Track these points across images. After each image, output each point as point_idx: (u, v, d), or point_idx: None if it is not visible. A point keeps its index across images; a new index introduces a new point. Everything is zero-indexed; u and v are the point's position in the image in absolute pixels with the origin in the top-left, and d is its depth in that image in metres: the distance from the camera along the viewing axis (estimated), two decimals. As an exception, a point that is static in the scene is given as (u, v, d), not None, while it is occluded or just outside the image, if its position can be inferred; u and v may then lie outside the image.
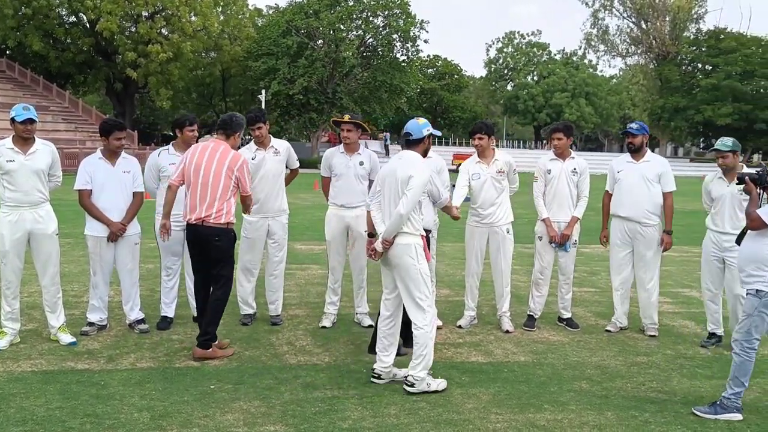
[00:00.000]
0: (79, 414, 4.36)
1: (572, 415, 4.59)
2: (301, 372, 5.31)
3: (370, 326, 6.59)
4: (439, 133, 5.88)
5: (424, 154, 5.27)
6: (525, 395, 4.96)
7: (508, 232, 6.64)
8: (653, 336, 6.61)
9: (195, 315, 6.55)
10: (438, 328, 6.62)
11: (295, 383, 5.06)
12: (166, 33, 47.66)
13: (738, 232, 6.31)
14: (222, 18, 50.87)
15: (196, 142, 6.55)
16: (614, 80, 79.77)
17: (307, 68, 47.26)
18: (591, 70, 74.64)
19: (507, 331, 6.60)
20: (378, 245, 5.01)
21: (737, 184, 5.39)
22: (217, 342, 5.67)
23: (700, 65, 61.38)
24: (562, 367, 5.63)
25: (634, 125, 6.71)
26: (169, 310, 6.47)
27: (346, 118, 6.49)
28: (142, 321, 6.30)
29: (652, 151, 7.14)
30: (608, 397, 4.97)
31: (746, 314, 4.68)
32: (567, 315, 6.95)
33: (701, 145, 69.10)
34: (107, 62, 50.67)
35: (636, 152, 6.65)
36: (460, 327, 6.74)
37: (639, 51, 66.05)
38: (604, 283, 9.14)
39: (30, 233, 5.68)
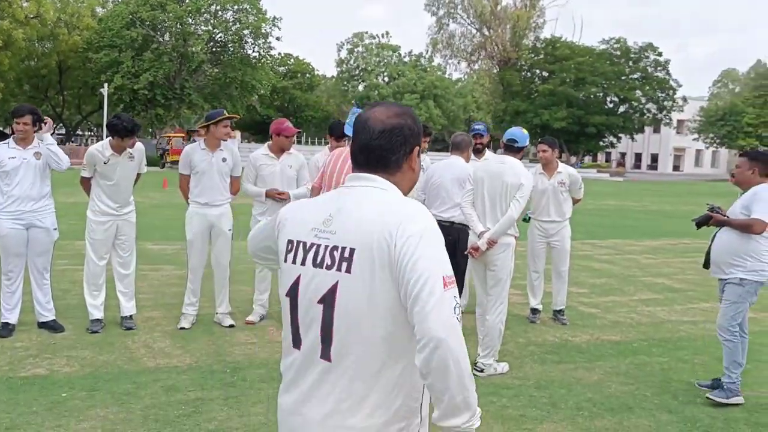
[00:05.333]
0: None
1: (436, 404, 4.74)
2: (161, 375, 5.11)
3: (231, 326, 6.46)
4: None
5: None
6: (390, 387, 5.05)
7: None
8: None
9: (40, 321, 6.14)
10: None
11: (156, 387, 4.87)
12: (-5, 19, 44.01)
13: (561, 219, 7.03)
14: (58, 5, 47.70)
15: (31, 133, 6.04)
16: (460, 83, 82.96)
17: (153, 62, 45.33)
18: (439, 72, 77.15)
19: None
20: (483, 244, 5.32)
21: (699, 227, 5.35)
22: None
23: (538, 71, 65.10)
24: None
25: (480, 126, 7.24)
26: (11, 316, 5.99)
27: (226, 114, 6.45)
28: (-21, 329, 5.81)
29: (495, 152, 7.62)
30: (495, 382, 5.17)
31: (729, 302, 5.02)
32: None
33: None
34: (-76, 49, 46.03)
35: (480, 152, 7.10)
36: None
37: (482, 56, 69.15)
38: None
39: None
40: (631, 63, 62.84)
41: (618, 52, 62.84)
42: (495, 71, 67.54)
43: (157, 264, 9.52)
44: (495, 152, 7.46)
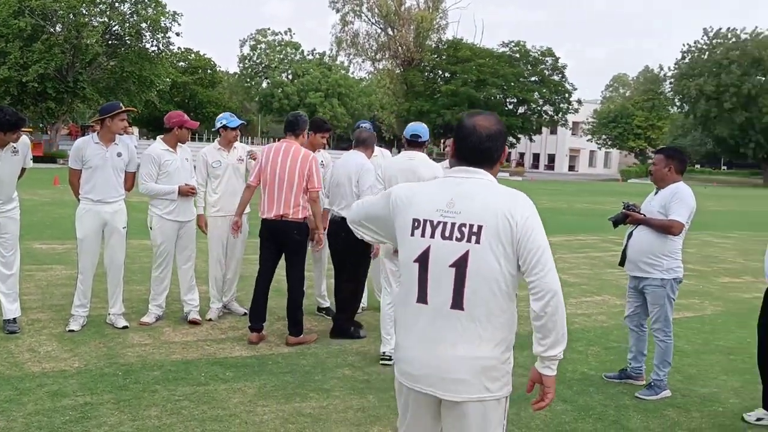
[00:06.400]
0: None
1: (337, 401, 4.71)
2: (46, 380, 4.84)
3: (125, 327, 6.19)
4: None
5: None
6: (291, 385, 4.99)
7: None
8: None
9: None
10: (197, 323, 6.44)
11: (40, 392, 4.60)
12: None
13: None
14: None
15: None
16: (365, 83, 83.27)
17: (43, 54, 43.05)
18: (344, 71, 77.13)
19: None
20: None
21: (615, 226, 5.44)
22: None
23: (440, 72, 66.17)
24: (325, 356, 5.75)
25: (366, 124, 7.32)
26: None
27: (123, 107, 6.17)
28: None
29: (399, 151, 7.70)
30: (369, 381, 5.17)
31: (659, 305, 5.14)
32: (326, 304, 7.14)
33: (442, 146, 74.54)
34: None
35: None
36: (210, 320, 6.62)
37: (386, 56, 69.60)
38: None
39: None
40: (529, 66, 64.82)
41: (517, 55, 64.70)
42: (398, 71, 68.11)
43: (45, 264, 9.01)
44: (398, 150, 7.50)
